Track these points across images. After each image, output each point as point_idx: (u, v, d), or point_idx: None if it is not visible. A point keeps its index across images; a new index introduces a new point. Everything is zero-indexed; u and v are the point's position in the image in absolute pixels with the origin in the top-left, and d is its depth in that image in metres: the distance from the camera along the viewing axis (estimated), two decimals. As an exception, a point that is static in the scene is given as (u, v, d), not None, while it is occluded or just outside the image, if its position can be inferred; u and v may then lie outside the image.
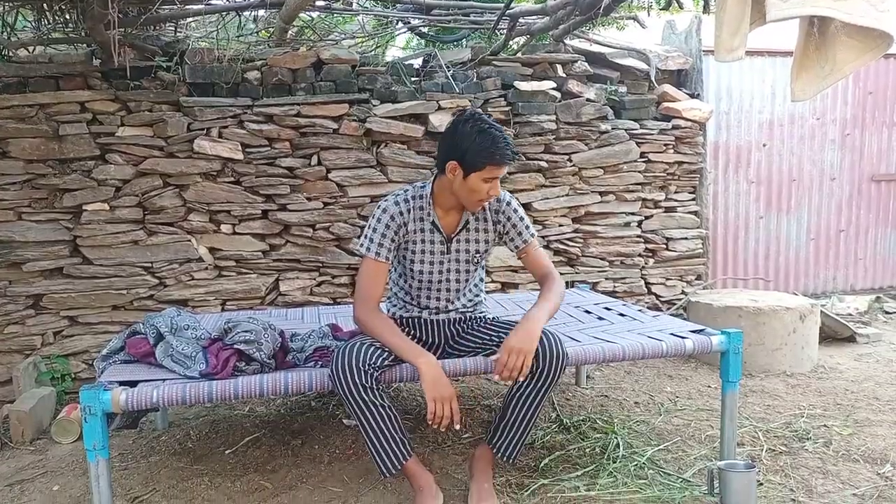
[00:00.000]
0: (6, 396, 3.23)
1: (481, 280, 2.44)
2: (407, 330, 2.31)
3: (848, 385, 3.37)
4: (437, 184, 2.17)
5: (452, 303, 2.32)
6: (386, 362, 2.03)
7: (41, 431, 2.97)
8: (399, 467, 2.04)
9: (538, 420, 2.88)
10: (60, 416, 2.91)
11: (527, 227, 2.26)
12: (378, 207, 2.18)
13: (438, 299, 2.31)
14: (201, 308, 3.51)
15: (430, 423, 1.96)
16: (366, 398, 1.95)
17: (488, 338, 2.25)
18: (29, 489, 2.43)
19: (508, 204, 2.24)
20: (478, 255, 2.29)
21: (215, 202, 3.49)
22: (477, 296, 2.41)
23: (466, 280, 2.32)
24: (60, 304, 3.37)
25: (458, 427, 1.97)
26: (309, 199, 3.61)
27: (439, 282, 2.28)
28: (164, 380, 2.04)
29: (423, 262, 2.23)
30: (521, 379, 1.98)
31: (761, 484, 2.28)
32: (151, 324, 2.30)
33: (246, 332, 2.14)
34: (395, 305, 2.40)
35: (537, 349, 2.01)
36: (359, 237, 3.67)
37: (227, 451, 2.70)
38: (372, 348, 2.01)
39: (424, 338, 2.34)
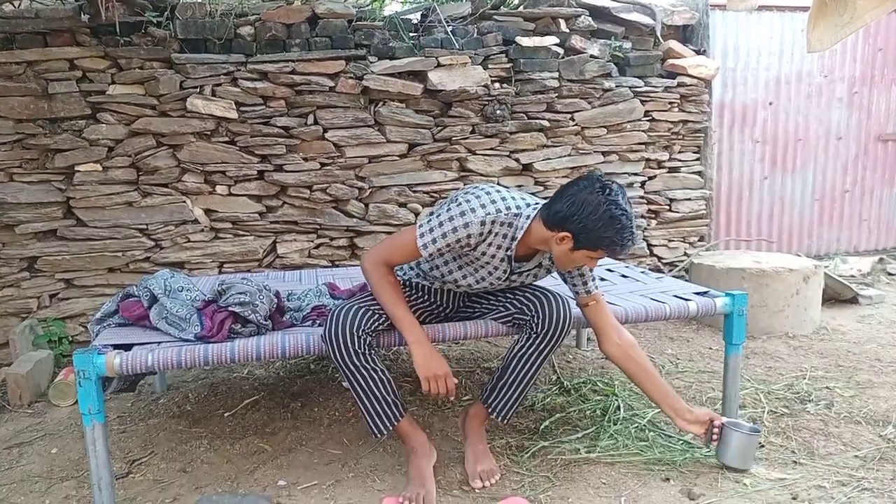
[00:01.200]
0: (3, 360, 3.22)
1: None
2: (416, 295, 2.20)
3: (850, 347, 3.35)
4: (535, 230, 1.91)
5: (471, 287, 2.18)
6: (381, 326, 1.99)
7: (39, 394, 2.95)
8: (390, 428, 2.02)
9: (537, 382, 2.87)
10: (58, 378, 2.89)
11: (593, 279, 2.08)
12: (464, 211, 1.88)
13: (459, 286, 2.15)
14: (198, 270, 3.47)
15: (425, 395, 1.92)
16: (357, 363, 1.92)
17: (495, 299, 2.18)
18: (27, 452, 2.42)
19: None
20: (536, 278, 2.15)
21: (210, 163, 3.42)
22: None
23: (512, 285, 2.16)
24: (55, 266, 3.33)
25: (452, 399, 1.95)
26: (305, 159, 3.54)
27: (474, 282, 2.10)
28: (159, 343, 2.01)
29: (471, 277, 2.07)
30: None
31: (762, 446, 2.27)
32: (145, 286, 2.26)
33: (241, 293, 2.10)
34: (412, 270, 2.23)
35: (542, 307, 1.99)
36: (357, 198, 3.62)
37: (226, 414, 2.69)
38: (368, 312, 1.96)
39: (433, 300, 2.22)
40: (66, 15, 3.23)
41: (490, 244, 1.94)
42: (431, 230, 1.91)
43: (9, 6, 3.32)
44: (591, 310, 2.11)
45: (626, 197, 1.83)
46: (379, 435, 2.02)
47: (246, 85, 3.37)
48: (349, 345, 1.90)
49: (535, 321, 2.01)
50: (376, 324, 1.96)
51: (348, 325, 1.90)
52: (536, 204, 1.97)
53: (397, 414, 2.03)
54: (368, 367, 1.94)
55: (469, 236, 1.89)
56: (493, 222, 1.89)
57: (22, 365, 2.94)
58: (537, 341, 2.03)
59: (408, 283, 2.21)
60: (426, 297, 2.21)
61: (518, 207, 1.94)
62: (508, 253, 1.97)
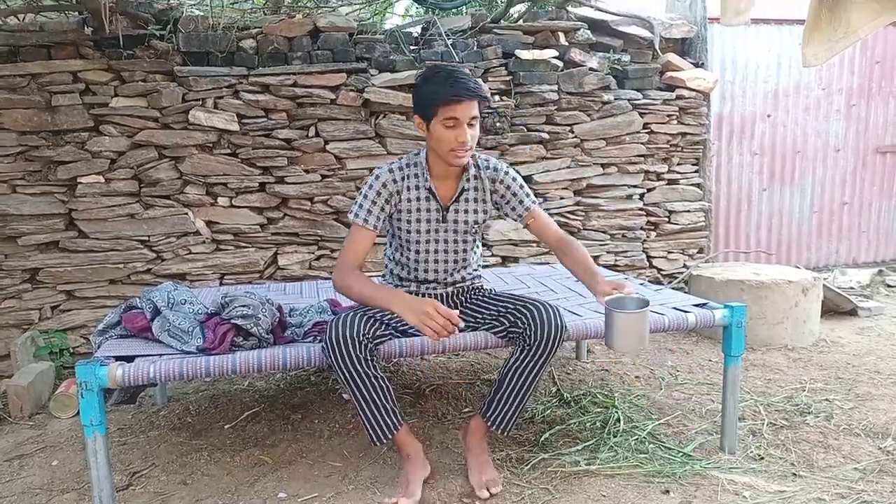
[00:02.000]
0: (4, 371, 3.23)
1: (479, 255, 2.37)
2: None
3: (849, 359, 3.36)
4: (428, 149, 2.13)
5: (451, 275, 2.26)
6: (381, 333, 2.01)
7: (40, 406, 2.96)
8: (390, 437, 2.03)
9: (535, 394, 2.88)
10: (59, 390, 2.89)
11: (527, 195, 2.20)
12: (371, 174, 2.13)
13: (437, 271, 2.23)
14: (199, 282, 3.48)
15: (436, 339, 1.87)
16: (359, 369, 1.92)
17: (488, 312, 2.21)
18: (28, 464, 2.43)
19: (506, 173, 2.19)
20: (475, 226, 2.21)
21: (212, 174, 3.44)
22: (476, 270, 2.36)
23: (464, 251, 2.24)
24: (57, 278, 3.34)
25: (462, 325, 1.97)
26: (307, 171, 3.56)
27: (436, 251, 2.20)
28: (160, 355, 2.02)
29: (420, 232, 2.16)
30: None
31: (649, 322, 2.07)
32: (148, 298, 2.27)
33: (243, 306, 2.11)
34: (390, 283, 2.33)
35: (534, 319, 2.00)
36: (357, 210, 3.64)
37: (226, 426, 2.70)
38: (370, 319, 1.98)
39: None
40: (70, 28, 3.26)
41: (409, 188, 2.11)
42: (359, 205, 2.10)
43: (13, 19, 3.36)
44: (533, 226, 2.24)
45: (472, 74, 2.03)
46: (378, 443, 2.02)
47: (248, 97, 3.40)
48: (350, 350, 1.90)
49: (528, 333, 2.01)
50: (377, 331, 1.98)
51: (349, 331, 1.91)
52: None
53: (397, 423, 2.04)
54: (370, 373, 1.94)
55: (384, 185, 2.08)
56: (399, 168, 2.13)
57: (23, 377, 2.94)
58: (531, 354, 2.03)
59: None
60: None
61: (418, 154, 2.17)
62: (427, 185, 2.11)
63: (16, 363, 3.13)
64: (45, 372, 3.06)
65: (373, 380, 1.95)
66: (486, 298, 2.28)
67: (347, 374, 1.93)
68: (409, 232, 2.17)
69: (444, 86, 1.93)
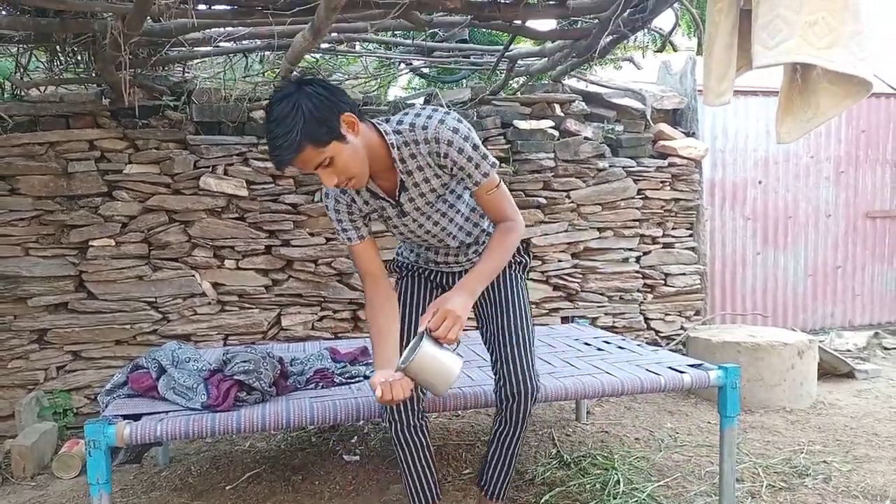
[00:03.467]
0: (8, 431, 3.24)
1: (476, 215, 2.06)
2: (430, 284, 2.17)
3: (847, 421, 3.38)
4: None
5: (465, 254, 2.10)
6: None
7: (42, 466, 2.97)
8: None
9: (522, 458, 2.89)
10: (62, 451, 2.91)
11: (477, 167, 1.79)
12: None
13: (447, 254, 2.11)
14: (203, 343, 3.54)
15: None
16: (410, 437, 1.99)
17: (488, 325, 2.10)
18: (29, 524, 2.43)
19: (449, 143, 1.74)
20: (443, 192, 1.92)
21: (220, 238, 3.55)
22: (484, 231, 2.09)
23: (459, 228, 2.02)
24: (64, 338, 3.40)
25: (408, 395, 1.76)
26: (311, 234, 3.66)
27: (432, 236, 2.01)
28: (167, 412, 2.07)
29: (397, 227, 2.01)
30: (452, 345, 1.72)
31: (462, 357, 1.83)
32: (153, 358, 2.33)
33: (245, 362, 2.17)
34: (411, 252, 2.21)
35: (506, 385, 1.93)
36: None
37: (227, 487, 2.71)
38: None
39: (446, 287, 2.16)
40: (88, 99, 3.43)
41: (356, 195, 1.91)
42: (337, 233, 2.03)
43: (35, 91, 3.53)
44: (479, 200, 1.90)
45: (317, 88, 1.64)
46: None
47: (257, 164, 3.54)
48: (405, 418, 1.96)
49: (501, 396, 1.97)
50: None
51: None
52: None
53: (436, 496, 2.09)
54: (421, 441, 2.01)
55: (336, 202, 1.90)
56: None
57: (27, 437, 2.97)
58: (507, 426, 2.02)
59: (418, 269, 2.20)
60: (438, 285, 2.19)
61: None
62: (369, 187, 1.87)
63: (20, 423, 3.15)
64: (48, 432, 3.09)
65: (422, 450, 2.03)
66: (497, 300, 2.09)
67: (399, 442, 2.01)
68: (393, 229, 2.03)
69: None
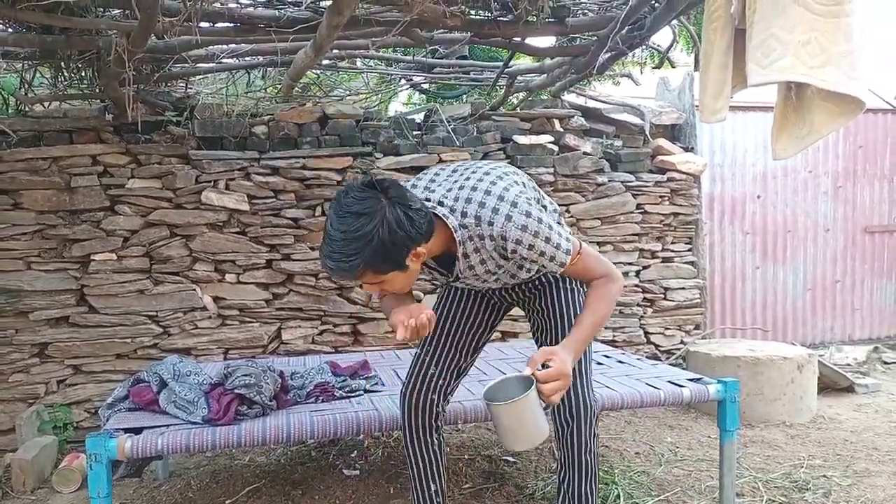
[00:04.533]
0: (8, 445, 3.24)
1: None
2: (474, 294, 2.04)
3: (847, 435, 3.38)
4: None
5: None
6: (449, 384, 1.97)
7: (42, 480, 2.97)
8: None
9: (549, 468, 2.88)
10: (62, 465, 2.91)
11: (552, 259, 1.63)
12: None
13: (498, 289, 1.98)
14: (204, 357, 3.55)
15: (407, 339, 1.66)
16: (425, 440, 1.95)
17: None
18: (29, 539, 2.43)
19: (518, 242, 1.59)
20: (504, 268, 1.78)
21: (221, 252, 3.56)
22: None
23: (514, 277, 1.85)
24: (65, 352, 3.41)
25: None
26: (312, 248, 3.68)
27: (486, 289, 1.93)
28: (168, 426, 2.07)
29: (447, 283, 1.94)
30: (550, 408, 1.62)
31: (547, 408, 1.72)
32: (154, 371, 2.34)
33: (246, 375, 2.18)
34: None
35: (562, 402, 1.80)
36: (361, 286, 3.74)
37: (227, 502, 2.70)
38: (434, 370, 1.94)
39: (492, 298, 2.05)
40: (92, 115, 3.47)
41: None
42: None
43: (39, 106, 3.56)
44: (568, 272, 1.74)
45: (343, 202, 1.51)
46: None
47: (258, 179, 3.57)
48: (421, 420, 1.94)
49: (560, 433, 1.85)
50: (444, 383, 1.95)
51: (417, 396, 1.92)
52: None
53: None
54: (434, 447, 1.97)
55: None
56: None
57: (27, 450, 2.97)
58: (570, 469, 1.87)
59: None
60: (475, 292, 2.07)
61: None
62: (426, 263, 1.77)
63: (20, 437, 3.16)
64: (48, 446, 3.09)
65: (434, 455, 1.98)
66: (555, 311, 1.95)
67: (411, 444, 1.97)
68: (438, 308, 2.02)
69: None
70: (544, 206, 1.81)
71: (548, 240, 1.61)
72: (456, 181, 1.69)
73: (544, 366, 1.55)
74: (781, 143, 1.71)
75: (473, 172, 1.70)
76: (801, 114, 1.63)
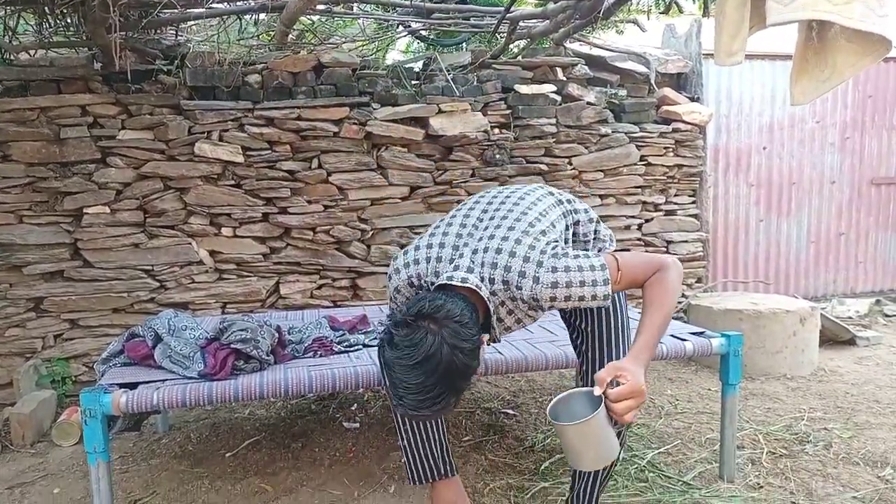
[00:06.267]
0: (6, 399, 3.23)
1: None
2: None
3: (848, 388, 3.37)
4: None
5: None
6: None
7: (42, 434, 2.97)
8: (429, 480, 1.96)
9: (538, 421, 2.87)
10: (61, 419, 2.91)
11: (594, 297, 1.56)
12: None
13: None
14: (201, 311, 3.51)
15: None
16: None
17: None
18: (29, 492, 2.43)
19: (553, 299, 1.55)
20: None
21: (216, 205, 3.49)
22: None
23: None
24: (61, 307, 3.37)
25: None
26: (309, 202, 3.61)
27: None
28: (163, 381, 2.05)
29: None
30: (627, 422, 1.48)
31: (620, 432, 1.66)
32: (150, 326, 2.31)
33: (242, 330, 2.14)
34: None
35: None
36: (359, 240, 3.70)
37: (227, 454, 2.70)
38: None
39: None
40: (79, 63, 3.35)
41: None
42: None
43: (25, 55, 3.45)
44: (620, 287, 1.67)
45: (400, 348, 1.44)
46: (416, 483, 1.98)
47: (252, 130, 3.47)
48: None
49: None
50: None
51: None
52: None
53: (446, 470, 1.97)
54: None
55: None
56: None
57: (25, 405, 2.96)
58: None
59: None
60: None
61: None
62: None
63: (18, 391, 3.15)
64: (47, 400, 3.08)
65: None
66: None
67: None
68: None
69: (392, 399, 1.50)
70: (576, 221, 1.80)
71: (582, 283, 1.54)
72: (481, 238, 1.64)
73: (616, 383, 1.44)
74: (800, 87, 1.62)
75: (497, 227, 1.64)
76: (823, 55, 1.54)
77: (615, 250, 1.85)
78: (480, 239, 1.64)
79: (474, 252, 1.62)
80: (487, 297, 1.58)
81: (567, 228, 1.77)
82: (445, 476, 1.97)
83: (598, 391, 1.42)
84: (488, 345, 1.76)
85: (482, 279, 1.59)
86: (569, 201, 1.85)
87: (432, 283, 1.64)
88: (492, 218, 1.69)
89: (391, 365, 1.44)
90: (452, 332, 1.43)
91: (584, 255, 1.58)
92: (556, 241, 1.63)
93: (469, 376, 1.48)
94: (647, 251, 4.27)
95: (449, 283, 1.57)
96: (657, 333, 1.56)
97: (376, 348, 1.64)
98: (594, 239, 1.87)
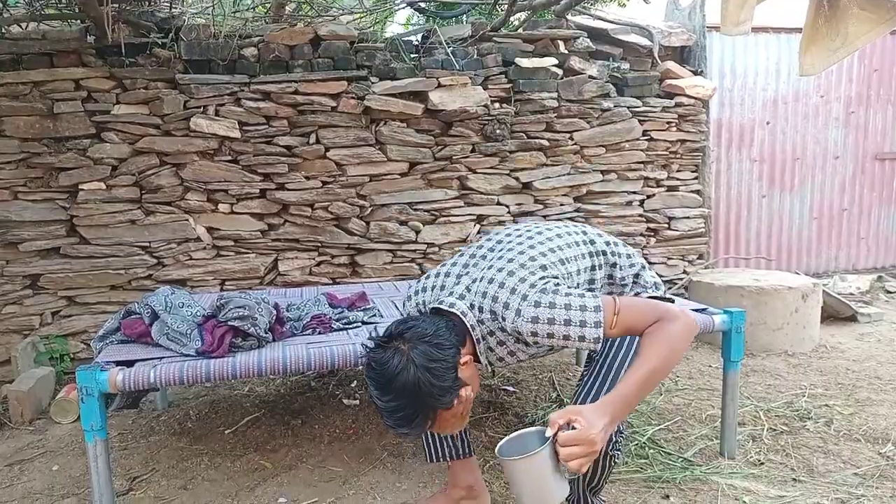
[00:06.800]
0: (5, 377, 3.23)
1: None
2: None
3: (849, 364, 3.36)
4: None
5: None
6: None
7: (40, 411, 2.96)
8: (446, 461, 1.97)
9: (537, 399, 2.87)
10: (59, 396, 2.90)
11: (581, 338, 1.49)
12: None
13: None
14: (200, 288, 3.49)
15: None
16: None
17: None
18: (28, 469, 2.43)
19: (534, 334, 1.51)
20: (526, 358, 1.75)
21: (213, 181, 3.45)
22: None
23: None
24: (58, 284, 3.35)
25: None
26: (307, 177, 3.57)
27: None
28: (160, 358, 2.03)
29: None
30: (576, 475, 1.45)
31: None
32: (146, 303, 2.28)
33: (239, 307, 2.12)
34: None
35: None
36: (358, 216, 3.66)
37: (226, 431, 2.70)
38: None
39: None
40: (72, 36, 3.29)
41: None
42: None
43: (16, 28, 3.38)
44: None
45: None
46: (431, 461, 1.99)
47: (249, 105, 3.42)
48: None
49: None
50: None
51: None
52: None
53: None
54: None
55: None
56: None
57: (24, 382, 2.95)
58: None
59: None
60: None
61: None
62: None
63: (16, 368, 3.14)
64: (45, 377, 3.07)
65: None
66: None
67: None
68: None
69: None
70: (613, 263, 1.78)
71: (567, 322, 1.48)
72: (482, 269, 1.65)
73: (570, 426, 1.37)
74: (810, 58, 1.58)
75: (500, 258, 1.64)
76: (834, 24, 1.49)
77: (650, 296, 1.79)
78: (482, 269, 1.65)
79: (472, 281, 1.64)
80: (472, 323, 1.58)
81: (593, 269, 1.73)
82: (463, 456, 1.97)
83: (549, 432, 1.38)
84: (482, 372, 1.72)
85: (472, 306, 1.59)
86: (607, 243, 1.80)
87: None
88: (500, 251, 1.69)
89: (369, 385, 1.50)
90: (421, 352, 1.45)
91: (578, 293, 1.52)
92: (555, 278, 1.59)
93: (444, 392, 1.45)
94: (648, 228, 4.23)
95: (439, 306, 1.60)
96: (636, 390, 1.45)
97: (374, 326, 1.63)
98: (633, 283, 1.83)
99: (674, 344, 1.49)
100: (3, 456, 2.55)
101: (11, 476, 2.37)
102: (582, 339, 1.49)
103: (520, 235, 1.74)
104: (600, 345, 1.52)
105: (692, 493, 2.11)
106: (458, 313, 1.58)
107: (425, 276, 1.78)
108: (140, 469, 2.38)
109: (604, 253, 1.79)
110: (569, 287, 1.57)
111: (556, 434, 1.36)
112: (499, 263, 1.62)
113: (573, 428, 1.36)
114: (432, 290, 1.72)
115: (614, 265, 1.80)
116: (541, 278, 1.55)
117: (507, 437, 1.46)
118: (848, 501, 2.03)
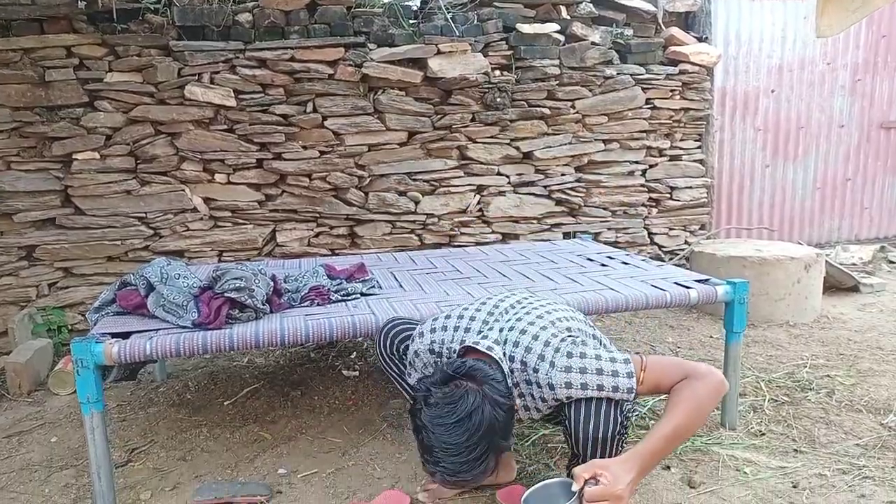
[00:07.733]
0: (2, 348, 3.21)
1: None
2: None
3: (851, 335, 3.35)
4: None
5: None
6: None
7: (38, 383, 2.95)
8: None
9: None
10: (57, 367, 2.89)
11: (615, 389, 1.52)
12: None
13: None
14: (197, 259, 3.46)
15: None
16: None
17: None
18: (27, 441, 2.42)
19: (568, 386, 1.54)
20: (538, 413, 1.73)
21: (209, 151, 3.40)
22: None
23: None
24: (54, 255, 3.32)
25: None
26: (305, 147, 3.52)
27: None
28: (156, 330, 2.00)
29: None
30: None
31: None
32: (141, 275, 2.24)
33: (236, 279, 2.08)
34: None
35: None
36: (357, 187, 3.62)
37: (225, 403, 2.69)
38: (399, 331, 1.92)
39: None
40: (62, 1, 3.20)
41: None
42: None
43: (4, -8, 3.29)
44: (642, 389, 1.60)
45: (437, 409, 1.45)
46: None
47: (244, 72, 3.35)
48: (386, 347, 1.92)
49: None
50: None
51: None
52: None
53: None
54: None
55: None
56: None
57: (21, 354, 2.93)
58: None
59: None
60: None
61: None
62: None
63: (14, 340, 3.12)
64: (43, 349, 3.05)
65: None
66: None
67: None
68: None
69: (426, 464, 1.52)
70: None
71: (599, 371, 1.53)
72: (509, 320, 1.69)
73: (596, 482, 1.38)
74: (828, 19, 1.52)
75: (527, 313, 1.69)
76: (852, -18, 1.43)
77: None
78: (509, 320, 1.68)
79: (501, 330, 1.66)
80: (507, 371, 1.58)
81: (596, 339, 1.76)
82: None
83: (575, 486, 1.39)
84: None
85: (504, 354, 1.61)
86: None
87: (454, 351, 1.68)
88: (523, 307, 1.73)
89: (429, 426, 1.44)
90: (492, 388, 1.46)
91: (606, 349, 1.59)
92: (581, 332, 1.66)
93: (507, 438, 1.49)
94: (650, 198, 4.18)
95: (475, 346, 1.61)
96: (663, 445, 1.48)
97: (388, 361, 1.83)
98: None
99: (701, 401, 1.51)
100: (1, 428, 2.54)
101: (10, 448, 2.37)
102: (616, 388, 1.52)
103: (538, 299, 1.79)
104: (633, 395, 1.53)
105: (693, 464, 2.10)
106: (497, 358, 1.58)
107: (443, 315, 1.78)
108: (139, 440, 2.37)
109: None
110: (594, 347, 1.64)
111: (582, 489, 1.37)
112: (528, 317, 1.66)
113: (598, 482, 1.37)
114: (456, 330, 1.72)
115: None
116: (570, 335, 1.62)
117: (532, 488, 1.49)
118: (849, 472, 2.02)
